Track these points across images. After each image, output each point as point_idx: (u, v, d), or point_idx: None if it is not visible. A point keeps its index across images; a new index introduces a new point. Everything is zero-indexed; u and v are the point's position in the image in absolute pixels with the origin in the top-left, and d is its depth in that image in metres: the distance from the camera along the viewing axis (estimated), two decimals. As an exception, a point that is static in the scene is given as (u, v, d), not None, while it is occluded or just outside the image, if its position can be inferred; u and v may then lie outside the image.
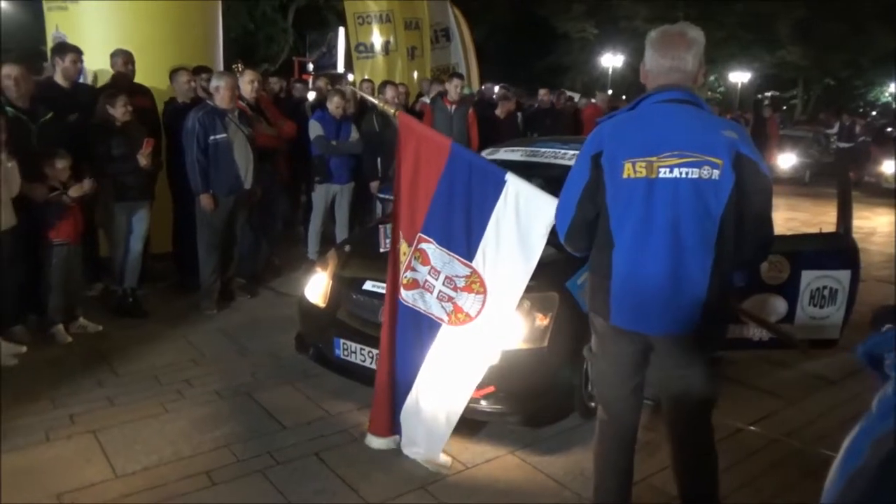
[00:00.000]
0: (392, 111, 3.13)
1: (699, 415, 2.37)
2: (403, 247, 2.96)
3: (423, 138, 2.95)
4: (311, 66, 19.12)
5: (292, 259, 6.32)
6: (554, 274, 3.15)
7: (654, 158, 2.15)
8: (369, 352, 3.38)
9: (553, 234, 2.60)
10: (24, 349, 4.18)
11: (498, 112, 7.96)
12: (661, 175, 2.14)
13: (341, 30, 17.25)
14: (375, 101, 3.43)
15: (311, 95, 7.80)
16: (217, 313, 5.11)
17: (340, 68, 18.19)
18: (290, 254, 6.47)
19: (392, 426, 3.10)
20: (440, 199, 2.87)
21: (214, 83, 5.00)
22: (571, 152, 3.96)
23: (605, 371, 2.46)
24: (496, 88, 9.17)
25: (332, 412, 3.57)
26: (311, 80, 9.63)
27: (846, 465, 1.13)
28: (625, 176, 2.18)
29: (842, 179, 4.23)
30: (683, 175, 2.12)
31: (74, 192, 4.35)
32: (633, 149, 2.18)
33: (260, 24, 20.79)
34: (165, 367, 4.11)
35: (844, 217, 3.96)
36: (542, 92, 9.16)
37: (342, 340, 3.56)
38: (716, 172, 2.11)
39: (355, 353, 3.51)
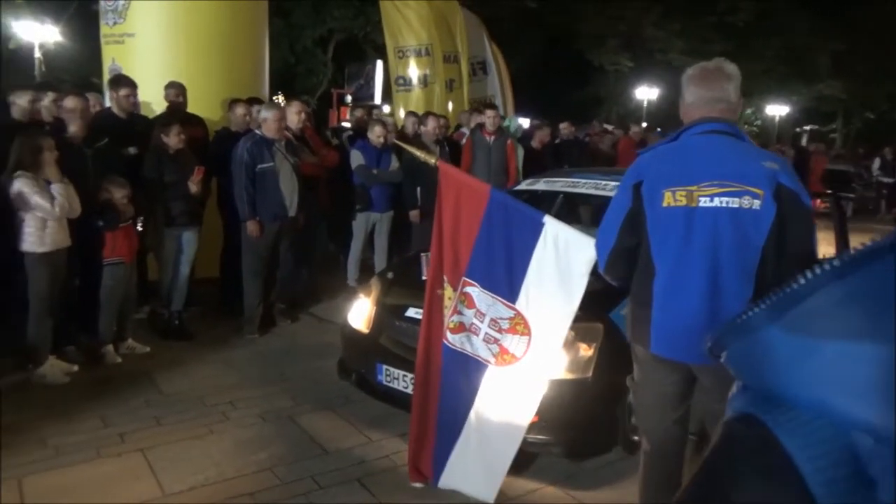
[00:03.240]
0: (433, 161, 3.15)
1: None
2: (448, 291, 3.00)
3: (462, 185, 3.02)
4: (349, 98, 19.49)
5: (331, 286, 6.41)
6: (598, 304, 3.14)
7: (694, 188, 2.17)
8: (412, 378, 3.39)
9: (596, 264, 2.61)
10: (75, 368, 4.31)
11: (534, 143, 8.03)
12: (701, 204, 2.17)
13: (379, 62, 17.61)
14: (416, 152, 3.40)
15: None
16: (259, 337, 5.21)
17: (377, 100, 18.51)
18: (329, 280, 6.57)
19: (426, 471, 3.08)
20: (482, 243, 2.92)
21: (263, 114, 5.17)
22: (613, 183, 3.98)
23: (647, 400, 2.45)
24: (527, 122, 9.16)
25: (373, 438, 3.59)
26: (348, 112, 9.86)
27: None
28: (665, 205, 2.21)
29: (836, 207, 4.28)
30: (723, 204, 2.14)
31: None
32: (673, 178, 2.21)
33: (301, 58, 21.34)
34: (210, 389, 4.19)
35: (844, 246, 3.97)
36: (563, 125, 9.16)
37: (385, 366, 3.60)
38: (756, 202, 2.12)
39: (398, 379, 3.54)
